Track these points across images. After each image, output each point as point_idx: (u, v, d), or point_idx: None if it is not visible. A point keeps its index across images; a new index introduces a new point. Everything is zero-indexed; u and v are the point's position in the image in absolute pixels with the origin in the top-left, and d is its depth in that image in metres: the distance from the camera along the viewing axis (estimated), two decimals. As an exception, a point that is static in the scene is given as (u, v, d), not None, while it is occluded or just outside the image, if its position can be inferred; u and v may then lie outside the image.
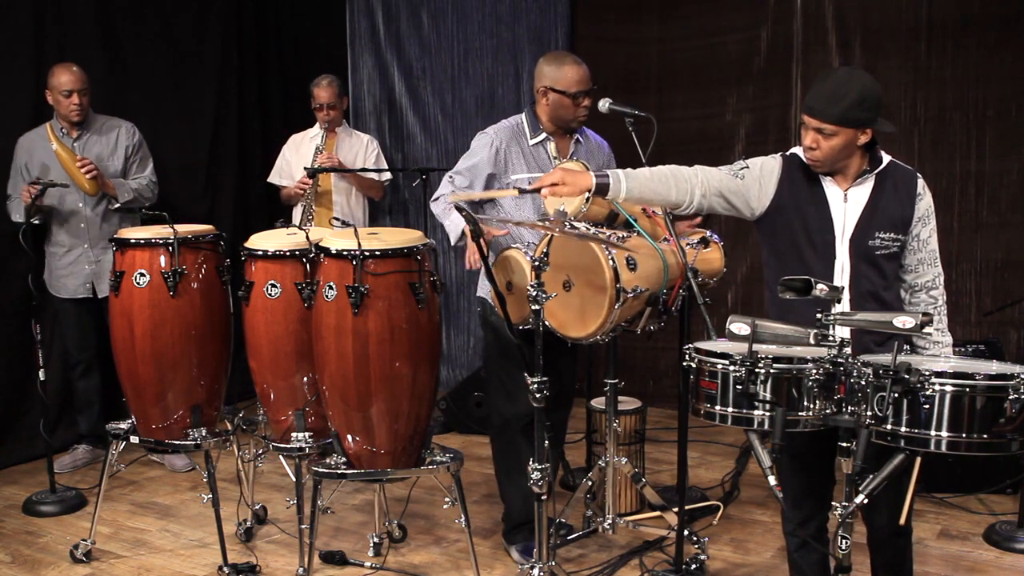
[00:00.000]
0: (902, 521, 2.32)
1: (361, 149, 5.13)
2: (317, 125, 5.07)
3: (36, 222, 4.33)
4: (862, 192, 2.56)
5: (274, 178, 5.22)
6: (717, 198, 2.63)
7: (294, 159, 5.11)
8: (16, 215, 4.28)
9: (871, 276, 2.56)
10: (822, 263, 2.56)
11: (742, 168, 2.64)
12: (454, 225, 3.29)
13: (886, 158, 2.60)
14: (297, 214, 4.99)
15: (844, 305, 2.52)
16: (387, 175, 5.25)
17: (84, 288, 4.42)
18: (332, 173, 4.96)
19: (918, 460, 2.20)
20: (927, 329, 2.47)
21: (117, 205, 4.35)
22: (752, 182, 2.63)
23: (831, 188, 2.58)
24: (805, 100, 2.50)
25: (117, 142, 4.47)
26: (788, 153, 2.66)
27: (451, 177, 3.42)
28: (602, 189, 2.59)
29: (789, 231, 2.60)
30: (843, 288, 2.45)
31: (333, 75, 5.04)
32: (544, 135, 3.41)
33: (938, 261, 2.63)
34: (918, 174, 2.62)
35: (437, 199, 3.40)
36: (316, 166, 4.85)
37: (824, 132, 2.47)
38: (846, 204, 2.56)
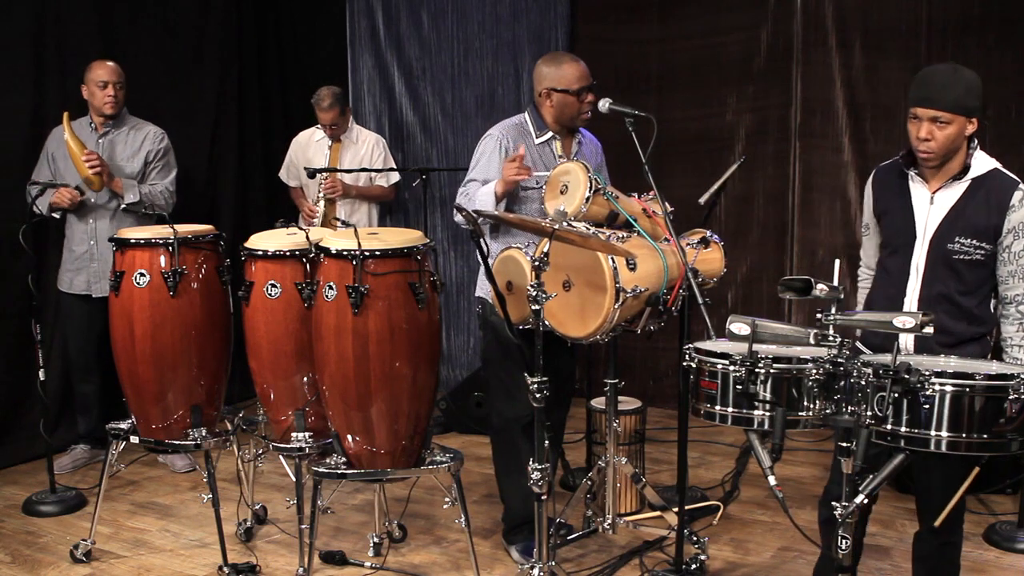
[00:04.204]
0: (937, 523, 2.37)
1: (367, 154, 5.14)
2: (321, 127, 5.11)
3: (56, 216, 4.35)
4: (950, 195, 2.59)
5: (283, 175, 5.34)
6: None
7: (301, 161, 5.14)
8: (37, 207, 4.21)
9: (946, 279, 2.58)
10: (900, 261, 2.63)
11: (864, 226, 2.85)
12: (485, 199, 3.23)
13: (989, 165, 2.59)
14: None
15: (912, 305, 2.59)
16: (395, 175, 5.26)
17: (88, 285, 4.40)
18: (336, 200, 5.05)
19: (975, 468, 2.23)
20: (1010, 344, 2.56)
21: (123, 205, 4.33)
22: (872, 225, 2.82)
23: (918, 190, 2.63)
24: (912, 94, 2.54)
25: (142, 145, 4.46)
26: (876, 169, 2.78)
27: (466, 187, 3.37)
28: None
29: (883, 233, 2.73)
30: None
31: (332, 87, 4.95)
32: (550, 134, 3.42)
33: None
34: (1021, 186, 2.57)
35: (458, 211, 3.30)
36: (323, 196, 4.97)
37: (940, 120, 2.50)
38: (931, 206, 2.60)
